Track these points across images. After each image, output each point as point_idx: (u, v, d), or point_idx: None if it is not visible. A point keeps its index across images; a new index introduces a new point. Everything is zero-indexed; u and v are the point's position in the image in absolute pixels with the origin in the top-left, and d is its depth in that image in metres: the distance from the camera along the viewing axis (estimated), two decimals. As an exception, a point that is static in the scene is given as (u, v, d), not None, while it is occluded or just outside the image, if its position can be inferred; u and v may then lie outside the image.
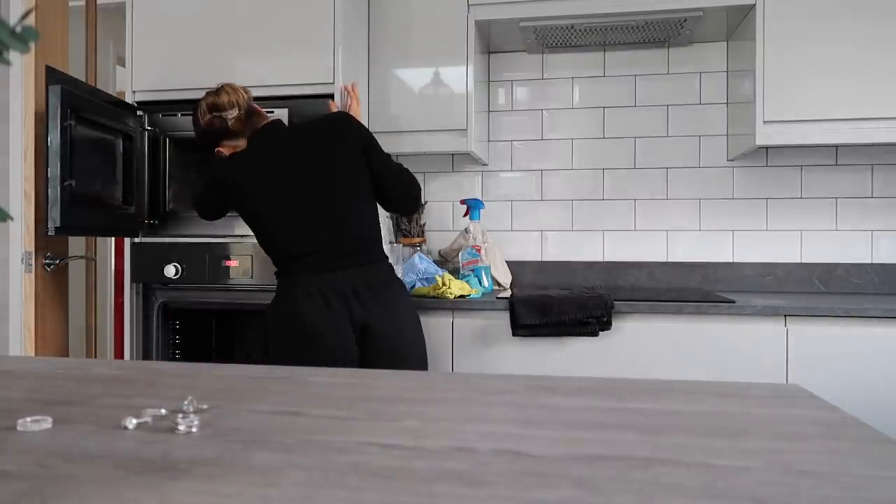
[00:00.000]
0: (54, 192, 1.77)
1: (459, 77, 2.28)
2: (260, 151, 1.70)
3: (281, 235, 1.66)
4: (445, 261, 2.50)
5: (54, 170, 1.78)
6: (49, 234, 1.78)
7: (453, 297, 2.02)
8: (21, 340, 1.99)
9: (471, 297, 2.06)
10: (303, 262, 1.64)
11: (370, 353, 1.62)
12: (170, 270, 2.06)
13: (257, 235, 1.72)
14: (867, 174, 2.37)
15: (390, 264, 1.76)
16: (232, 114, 1.71)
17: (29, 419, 0.63)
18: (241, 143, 1.74)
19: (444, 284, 2.04)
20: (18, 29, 0.45)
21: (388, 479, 0.49)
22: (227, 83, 1.76)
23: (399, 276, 2.08)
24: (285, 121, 2.03)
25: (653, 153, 2.52)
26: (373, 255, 1.70)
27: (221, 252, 2.07)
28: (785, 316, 1.86)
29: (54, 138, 1.78)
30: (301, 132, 1.74)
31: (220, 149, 1.76)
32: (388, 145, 2.33)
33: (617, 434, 0.61)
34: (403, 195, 1.79)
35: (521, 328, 1.91)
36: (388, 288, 1.68)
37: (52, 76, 1.82)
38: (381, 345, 1.62)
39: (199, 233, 2.09)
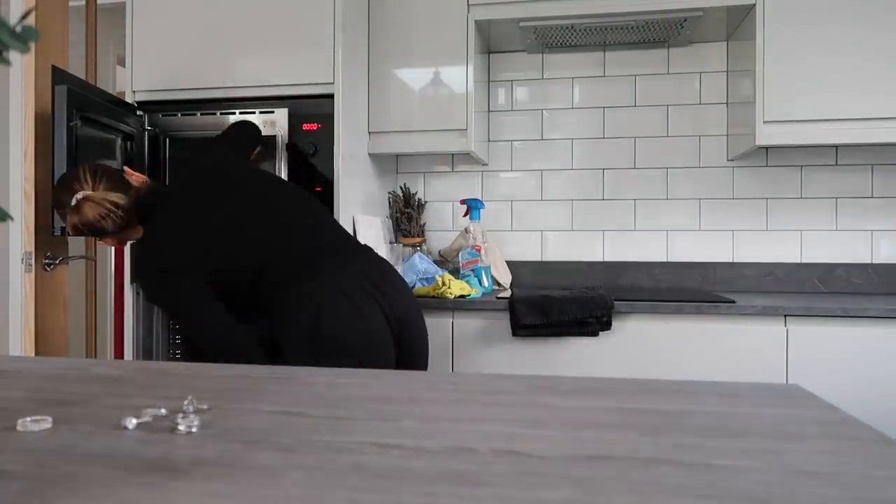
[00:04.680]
0: (60, 192, 1.77)
1: (459, 77, 2.28)
2: (176, 212, 1.52)
3: (265, 261, 1.47)
4: (445, 261, 2.50)
5: (61, 170, 1.77)
6: (55, 234, 1.78)
7: (453, 297, 2.02)
8: (21, 340, 1.99)
9: (471, 297, 2.06)
10: (303, 271, 1.46)
11: (405, 348, 1.51)
12: (170, 270, 2.06)
13: (235, 284, 1.47)
14: (867, 174, 2.37)
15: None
16: (113, 218, 1.49)
17: (29, 419, 0.63)
18: (137, 230, 1.58)
19: (444, 284, 2.04)
20: (18, 29, 0.45)
21: (388, 479, 0.49)
22: (80, 196, 1.47)
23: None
24: (285, 120, 2.03)
25: (653, 153, 2.52)
26: (357, 247, 1.57)
27: (221, 252, 2.07)
28: (785, 316, 1.86)
29: (60, 138, 1.78)
30: (203, 181, 1.58)
31: (103, 242, 1.61)
32: (388, 145, 2.34)
33: (617, 434, 0.61)
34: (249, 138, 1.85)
35: (521, 328, 1.91)
36: (400, 278, 1.57)
37: (58, 76, 1.82)
38: (417, 340, 1.53)
39: (199, 233, 2.09)
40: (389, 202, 2.57)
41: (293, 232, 1.52)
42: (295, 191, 1.63)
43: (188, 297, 1.45)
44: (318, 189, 2.02)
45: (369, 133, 2.34)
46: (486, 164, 2.62)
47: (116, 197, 1.51)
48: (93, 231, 1.51)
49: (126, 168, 1.68)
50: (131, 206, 1.53)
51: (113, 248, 3.37)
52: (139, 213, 1.54)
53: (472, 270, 2.24)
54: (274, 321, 1.46)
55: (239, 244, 1.48)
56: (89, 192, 1.48)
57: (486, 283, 2.24)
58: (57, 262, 2.09)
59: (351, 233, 2.08)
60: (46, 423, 0.63)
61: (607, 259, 2.54)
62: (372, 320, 1.44)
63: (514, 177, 2.62)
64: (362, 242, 1.65)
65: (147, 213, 1.53)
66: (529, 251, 2.60)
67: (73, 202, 1.47)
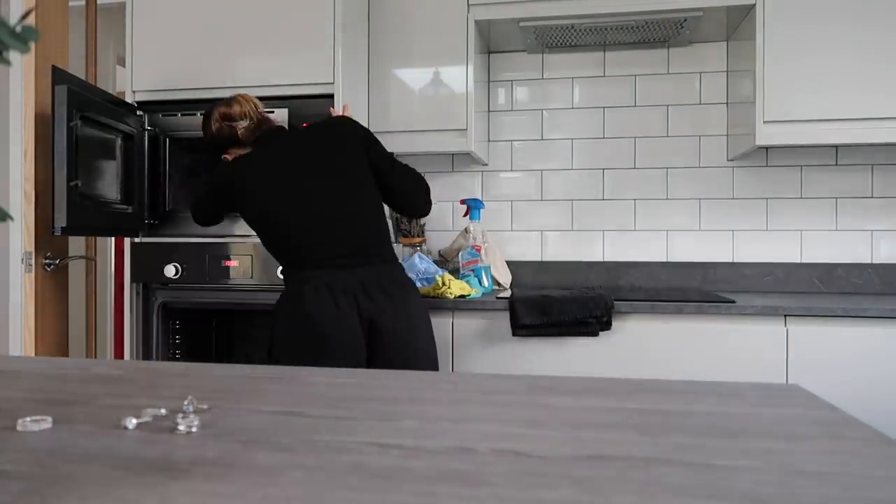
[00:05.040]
0: (60, 192, 1.77)
1: (459, 77, 2.28)
2: (265, 154, 1.72)
3: (288, 234, 1.66)
4: (445, 261, 2.50)
5: (61, 170, 1.77)
6: (55, 233, 1.78)
7: (453, 297, 2.02)
8: (21, 340, 1.99)
9: (471, 297, 2.06)
10: (310, 260, 1.64)
11: (378, 350, 1.61)
12: (170, 270, 2.06)
13: (263, 236, 1.72)
14: (867, 174, 2.37)
15: (401, 265, 1.76)
16: (243, 124, 1.75)
17: (29, 419, 0.63)
18: (248, 150, 1.77)
19: (444, 284, 2.04)
20: (18, 29, 0.45)
21: (388, 479, 0.49)
22: (239, 94, 1.81)
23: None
24: (285, 121, 2.03)
25: (653, 153, 2.52)
26: (383, 255, 1.70)
27: (221, 252, 2.07)
28: (785, 316, 1.86)
29: (60, 138, 1.77)
30: (303, 135, 1.76)
31: (227, 155, 1.81)
32: (388, 145, 2.31)
33: (617, 434, 0.61)
34: (412, 194, 1.79)
35: (521, 328, 1.91)
36: (400, 288, 1.67)
37: (59, 76, 1.81)
38: (390, 342, 1.61)
39: (199, 233, 2.09)
40: (389, 202, 2.57)
41: (324, 224, 1.65)
42: (350, 182, 1.70)
43: (209, 209, 1.82)
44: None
45: (369, 133, 2.34)
46: (486, 164, 2.62)
47: (260, 105, 1.82)
48: (229, 127, 1.76)
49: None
50: (260, 126, 1.77)
51: (113, 248, 3.37)
52: (256, 139, 1.76)
53: (472, 270, 2.24)
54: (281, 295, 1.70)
55: (289, 209, 1.66)
56: (246, 94, 1.82)
57: (486, 283, 2.24)
58: (57, 262, 2.09)
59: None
60: (46, 423, 0.63)
61: (607, 259, 2.54)
62: (347, 318, 1.59)
63: (514, 177, 2.62)
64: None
65: (258, 141, 1.76)
66: (529, 251, 2.60)
67: (231, 96, 1.79)
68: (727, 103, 2.47)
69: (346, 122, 1.77)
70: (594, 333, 1.90)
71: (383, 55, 2.33)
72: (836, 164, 2.39)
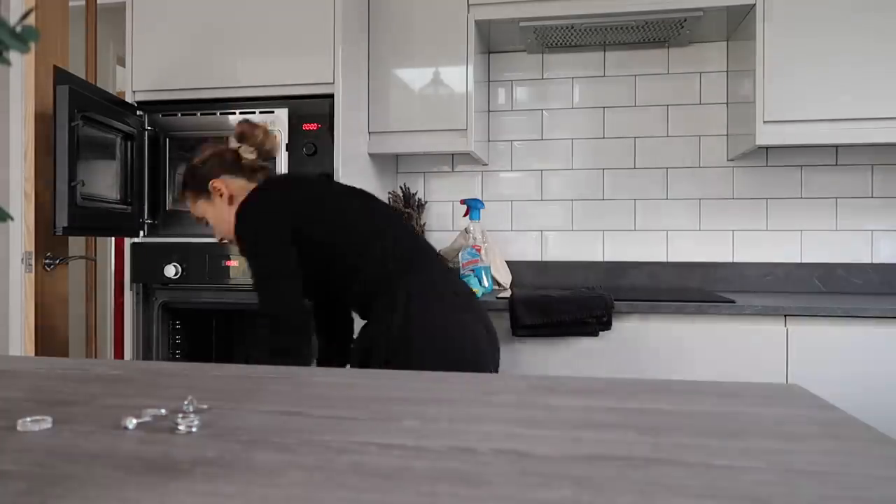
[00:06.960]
0: (62, 192, 1.77)
1: (459, 77, 2.28)
2: (304, 179, 1.65)
3: (389, 248, 1.49)
4: (445, 261, 2.50)
5: (62, 170, 1.77)
6: (56, 234, 1.78)
7: (453, 297, 2.01)
8: (21, 340, 1.99)
9: (471, 297, 2.06)
10: (434, 271, 1.51)
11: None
12: (170, 270, 2.06)
13: (357, 246, 1.48)
14: (867, 174, 2.37)
15: None
16: (256, 148, 1.63)
17: (29, 419, 0.63)
18: (239, 183, 1.60)
19: (444, 284, 2.04)
20: (18, 29, 0.45)
21: (388, 479, 0.49)
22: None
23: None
24: (285, 120, 2.03)
25: (653, 153, 2.52)
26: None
27: (221, 252, 2.07)
28: (785, 316, 1.86)
29: (62, 138, 1.77)
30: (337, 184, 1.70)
31: (216, 182, 1.59)
32: (388, 145, 2.34)
33: (617, 434, 0.61)
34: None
35: (521, 328, 1.91)
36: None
37: (60, 76, 1.81)
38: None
39: (199, 233, 2.08)
40: (389, 202, 2.57)
41: (391, 236, 1.53)
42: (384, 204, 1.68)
43: (278, 264, 1.45)
44: (318, 189, 2.01)
45: (369, 133, 2.34)
46: (486, 164, 2.62)
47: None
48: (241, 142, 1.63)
49: None
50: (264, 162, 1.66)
51: (113, 248, 3.37)
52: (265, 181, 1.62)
53: (472, 270, 2.24)
54: (368, 324, 1.47)
55: (352, 235, 1.50)
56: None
57: (486, 283, 2.24)
58: (57, 262, 2.09)
59: None
60: (46, 423, 0.63)
61: (607, 259, 2.54)
62: (471, 328, 1.43)
63: (514, 177, 2.62)
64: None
65: (274, 181, 1.62)
66: (529, 251, 2.60)
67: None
68: (727, 103, 2.47)
69: None
70: (594, 333, 1.90)
71: (383, 55, 2.33)
72: (836, 164, 2.39)
